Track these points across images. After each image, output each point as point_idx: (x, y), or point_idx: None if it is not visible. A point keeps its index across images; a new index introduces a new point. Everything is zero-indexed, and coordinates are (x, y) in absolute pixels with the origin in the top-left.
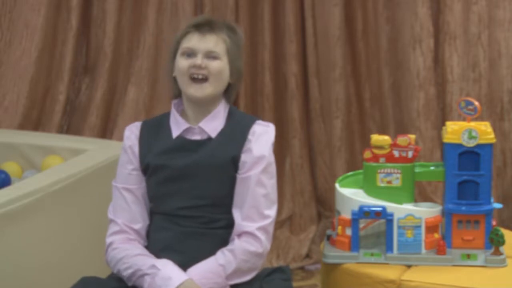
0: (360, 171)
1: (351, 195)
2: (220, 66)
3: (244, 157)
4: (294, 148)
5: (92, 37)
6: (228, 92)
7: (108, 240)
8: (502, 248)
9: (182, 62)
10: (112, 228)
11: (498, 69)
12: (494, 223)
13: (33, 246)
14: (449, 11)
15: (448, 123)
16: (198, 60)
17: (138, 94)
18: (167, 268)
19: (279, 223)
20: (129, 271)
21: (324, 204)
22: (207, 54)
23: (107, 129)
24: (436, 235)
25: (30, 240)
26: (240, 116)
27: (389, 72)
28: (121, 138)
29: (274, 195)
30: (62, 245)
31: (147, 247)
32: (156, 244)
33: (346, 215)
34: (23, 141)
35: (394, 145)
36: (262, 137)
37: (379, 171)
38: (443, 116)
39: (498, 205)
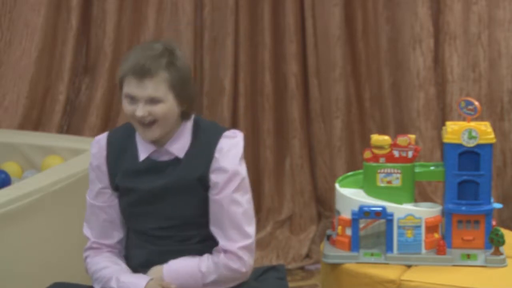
0: (360, 171)
1: (351, 195)
2: (163, 109)
3: (214, 177)
4: (294, 148)
5: (92, 37)
6: (185, 115)
7: (84, 254)
8: (502, 248)
9: (126, 107)
10: (87, 244)
11: (498, 69)
12: (494, 223)
13: (33, 246)
14: (449, 11)
15: (448, 123)
16: (140, 111)
17: None
18: (124, 284)
19: (279, 223)
20: (100, 285)
21: (324, 204)
22: (149, 100)
23: (107, 129)
24: (436, 235)
25: (30, 240)
26: (206, 130)
27: (389, 72)
28: None
29: (251, 210)
30: (62, 245)
31: (127, 261)
32: (135, 260)
33: (346, 215)
34: (23, 141)
35: (394, 145)
36: (229, 153)
37: (379, 171)
38: (443, 116)
39: (498, 205)
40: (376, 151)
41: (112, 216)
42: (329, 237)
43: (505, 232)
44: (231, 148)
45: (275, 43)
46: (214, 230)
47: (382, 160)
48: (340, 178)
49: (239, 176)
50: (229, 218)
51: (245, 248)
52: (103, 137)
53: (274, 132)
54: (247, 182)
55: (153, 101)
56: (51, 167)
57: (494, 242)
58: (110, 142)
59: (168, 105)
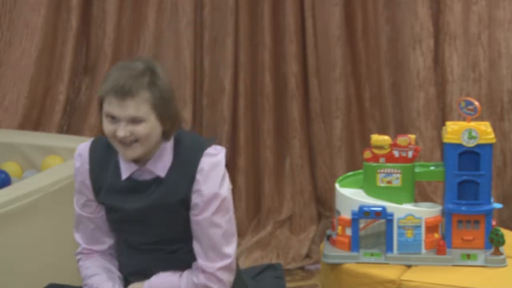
0: (360, 171)
1: (351, 195)
2: (146, 129)
3: (194, 199)
4: (294, 148)
5: (92, 37)
6: (167, 135)
7: (76, 257)
8: (502, 248)
9: (107, 126)
10: (78, 248)
11: (498, 69)
12: (494, 223)
13: (33, 246)
14: (449, 11)
15: (448, 123)
16: (121, 131)
17: None
18: None
19: (279, 223)
20: None
21: (324, 204)
22: (131, 120)
23: None
24: (436, 235)
25: (30, 240)
26: (187, 147)
27: (389, 72)
28: None
29: (232, 228)
30: (62, 245)
31: (120, 268)
32: (126, 269)
33: (346, 215)
34: (23, 141)
35: (394, 145)
36: (211, 173)
37: (379, 171)
38: (443, 116)
39: (498, 205)
40: (376, 151)
41: (99, 225)
42: (329, 237)
43: (505, 232)
44: (212, 168)
45: (275, 43)
46: (195, 247)
47: (382, 160)
48: (340, 178)
49: (219, 198)
50: (208, 239)
51: (224, 268)
52: (85, 149)
53: (274, 132)
54: (228, 201)
55: (134, 121)
56: (51, 167)
57: (494, 242)
58: (92, 155)
59: (150, 125)
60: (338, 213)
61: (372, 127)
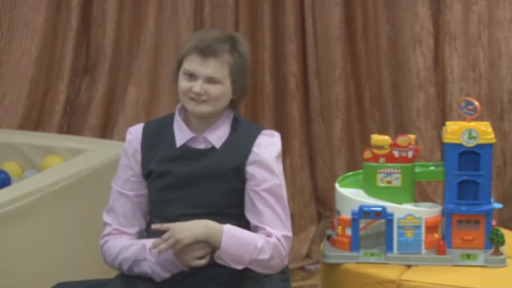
0: (360, 171)
1: (351, 195)
2: (219, 91)
3: (252, 170)
4: (294, 148)
5: (92, 37)
6: (233, 106)
7: (102, 241)
8: (502, 248)
9: (183, 83)
10: (106, 230)
11: (498, 69)
12: (494, 223)
13: (33, 246)
14: (449, 11)
15: (448, 123)
16: (197, 87)
17: (138, 94)
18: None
19: None
20: (128, 263)
21: (324, 204)
22: (208, 80)
23: (107, 129)
24: (436, 235)
25: (30, 240)
26: (245, 126)
27: (389, 72)
28: (121, 138)
29: (287, 205)
30: (62, 245)
31: None
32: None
33: (346, 215)
34: (23, 141)
35: (394, 145)
36: (268, 148)
37: (379, 171)
38: (443, 116)
39: (498, 205)
40: (376, 151)
41: (136, 205)
42: (329, 237)
43: (505, 232)
44: (269, 144)
45: (275, 43)
46: (254, 221)
47: (382, 160)
48: (340, 178)
49: (278, 171)
50: (269, 208)
51: (287, 238)
52: (139, 126)
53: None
54: (284, 180)
55: (211, 81)
56: (51, 167)
57: (494, 242)
58: (146, 130)
59: (224, 89)
60: (338, 213)
61: (372, 127)
